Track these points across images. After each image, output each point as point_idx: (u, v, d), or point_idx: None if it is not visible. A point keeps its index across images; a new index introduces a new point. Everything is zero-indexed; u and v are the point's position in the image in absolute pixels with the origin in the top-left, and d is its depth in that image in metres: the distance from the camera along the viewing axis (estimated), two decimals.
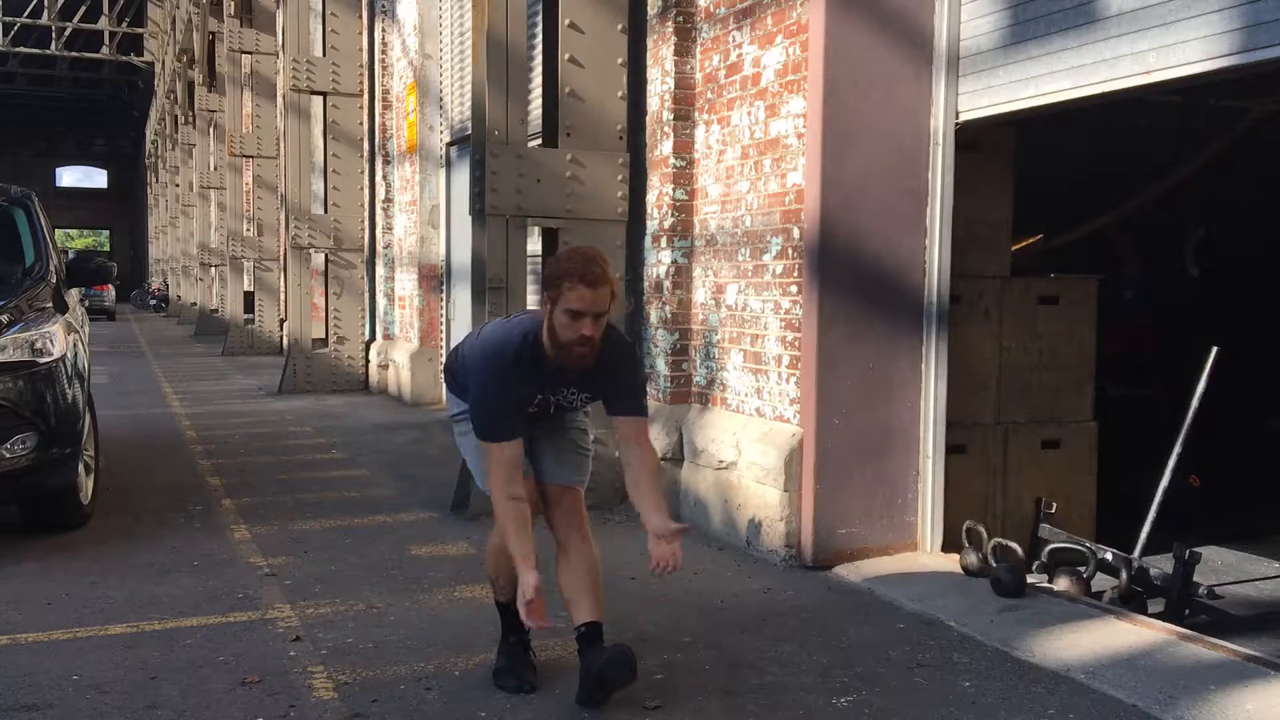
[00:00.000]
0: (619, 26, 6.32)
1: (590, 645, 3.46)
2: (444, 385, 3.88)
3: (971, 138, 5.33)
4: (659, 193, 6.34)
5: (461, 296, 10.39)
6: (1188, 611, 4.85)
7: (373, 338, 13.40)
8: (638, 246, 6.51)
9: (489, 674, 3.71)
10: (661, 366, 6.31)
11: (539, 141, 6.69)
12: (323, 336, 13.16)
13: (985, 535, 4.84)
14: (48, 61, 40.72)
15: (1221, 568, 5.90)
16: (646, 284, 6.48)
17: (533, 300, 7.38)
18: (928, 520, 5.21)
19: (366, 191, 13.12)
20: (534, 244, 6.93)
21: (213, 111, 23.83)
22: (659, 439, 6.08)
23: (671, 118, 6.19)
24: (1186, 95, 7.02)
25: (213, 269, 26.25)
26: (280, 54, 18.17)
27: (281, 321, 19.19)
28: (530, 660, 3.72)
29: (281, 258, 19.19)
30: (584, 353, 3.33)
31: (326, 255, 12.99)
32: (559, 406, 3.55)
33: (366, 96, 12.93)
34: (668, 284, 6.24)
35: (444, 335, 11.48)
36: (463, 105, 10.35)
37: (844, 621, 4.33)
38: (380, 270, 13.16)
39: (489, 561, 3.74)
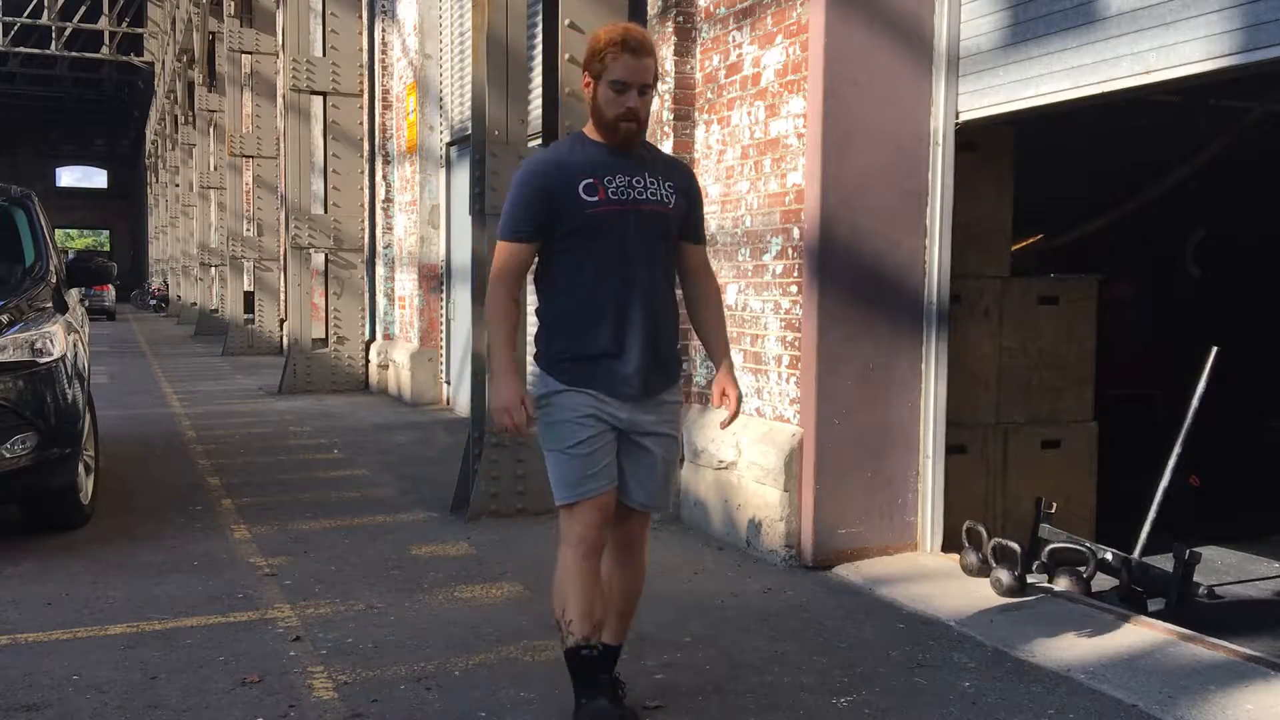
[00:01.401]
0: None
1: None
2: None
3: (971, 138, 5.33)
4: None
5: (462, 296, 10.39)
6: (1188, 612, 4.84)
7: (373, 338, 13.41)
8: None
9: (489, 674, 3.71)
10: None
11: (539, 141, 6.69)
12: (323, 336, 13.17)
13: (985, 535, 4.84)
14: (48, 61, 40.78)
15: (1221, 568, 5.90)
16: None
17: (532, 300, 7.39)
18: (928, 520, 5.21)
19: (366, 191, 13.13)
20: None
21: (213, 111, 23.84)
22: None
23: (671, 118, 6.19)
24: (1186, 95, 7.02)
25: (213, 269, 26.27)
26: (280, 54, 18.17)
27: (281, 321, 19.20)
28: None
29: (281, 258, 19.21)
30: (631, 128, 3.05)
31: (326, 255, 13.00)
32: (637, 206, 3.09)
33: (366, 96, 12.93)
34: None
35: (444, 335, 11.49)
36: (463, 105, 10.35)
37: (844, 621, 4.34)
38: (380, 270, 13.17)
39: (556, 595, 3.17)
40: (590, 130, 3.15)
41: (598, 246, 3.07)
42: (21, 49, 37.33)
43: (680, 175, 3.25)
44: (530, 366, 3.28)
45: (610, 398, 3.10)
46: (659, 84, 3.16)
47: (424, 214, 11.53)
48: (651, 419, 3.17)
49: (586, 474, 3.09)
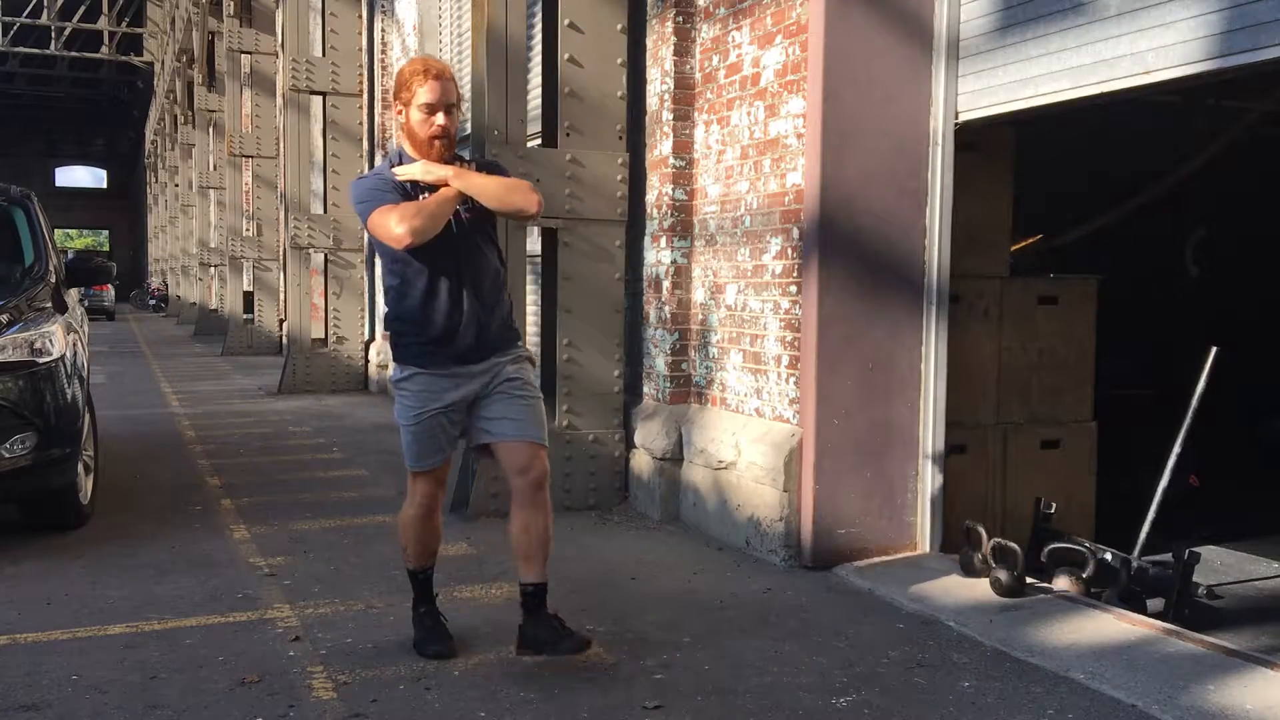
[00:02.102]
0: (618, 26, 6.32)
1: (535, 610, 3.72)
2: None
3: (971, 138, 5.33)
4: (658, 193, 6.34)
5: None
6: (1187, 611, 4.85)
7: (372, 337, 13.40)
8: (637, 246, 6.51)
9: (489, 674, 3.71)
10: (661, 366, 6.31)
11: (538, 141, 6.70)
12: (322, 336, 13.17)
13: (985, 535, 4.84)
14: (47, 61, 40.74)
15: (1221, 568, 5.90)
16: (646, 284, 6.48)
17: (533, 300, 7.39)
18: (927, 520, 5.21)
19: None
20: (534, 244, 6.93)
21: (212, 111, 23.85)
22: (658, 439, 6.08)
23: (671, 118, 6.19)
24: (1186, 95, 7.02)
25: (212, 268, 26.26)
26: (280, 53, 18.17)
27: (281, 321, 19.19)
28: (445, 629, 3.94)
29: (281, 257, 19.20)
30: (443, 144, 3.62)
31: (326, 255, 12.99)
32: (456, 215, 3.66)
33: (366, 96, 12.93)
34: (667, 284, 6.24)
35: None
36: (463, 105, 10.34)
37: (843, 621, 4.34)
38: (380, 269, 13.16)
39: (402, 532, 3.96)
40: (408, 148, 3.71)
41: (430, 247, 3.58)
42: (21, 49, 37.29)
43: (492, 171, 3.84)
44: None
45: (448, 374, 3.70)
46: (462, 106, 3.95)
47: None
48: (494, 377, 3.74)
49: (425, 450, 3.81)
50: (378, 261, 13.11)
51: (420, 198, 3.61)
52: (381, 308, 13.12)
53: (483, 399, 3.75)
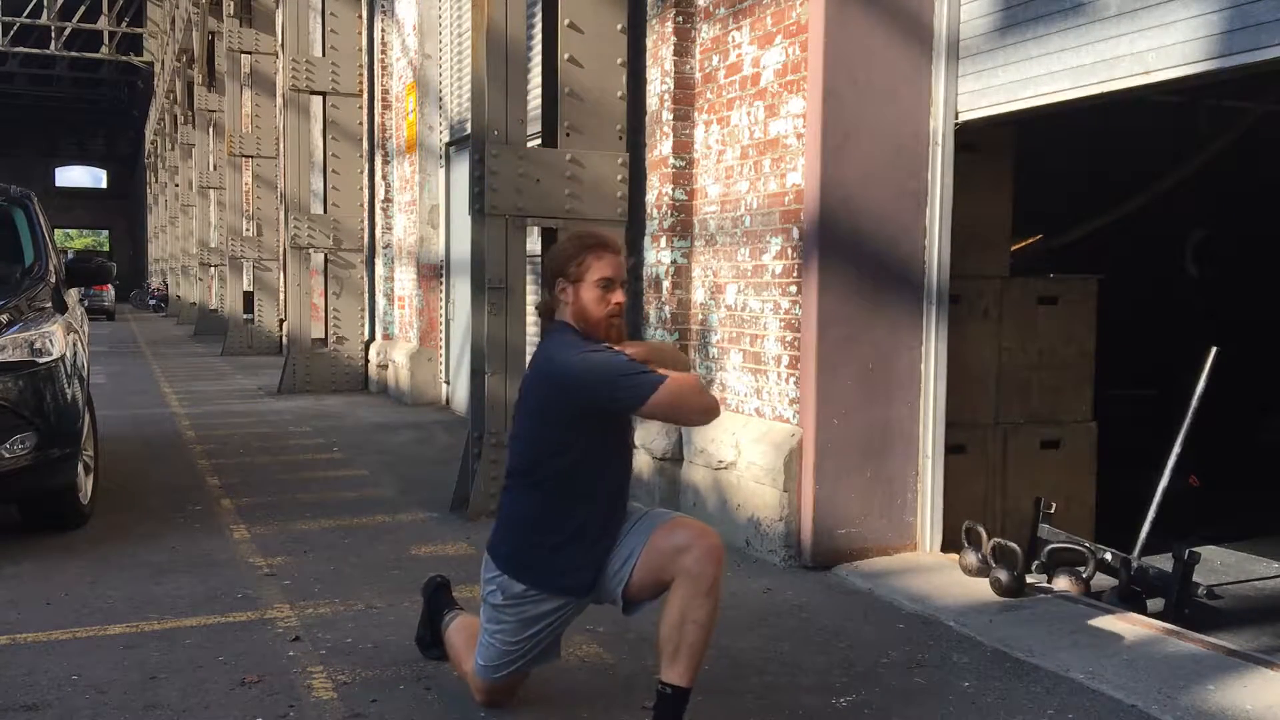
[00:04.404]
0: (618, 26, 6.32)
1: (665, 716, 3.05)
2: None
3: (971, 138, 5.33)
4: (658, 193, 6.34)
5: (461, 296, 10.39)
6: (1187, 611, 4.85)
7: (372, 337, 13.40)
8: (637, 246, 6.51)
9: None
10: None
11: (539, 141, 6.69)
12: (322, 336, 13.17)
13: (985, 535, 4.84)
14: (47, 61, 40.77)
15: (1221, 568, 5.90)
16: (645, 284, 6.48)
17: (533, 300, 7.38)
18: (927, 520, 5.21)
19: (366, 191, 13.13)
20: (534, 244, 6.93)
21: (212, 111, 23.84)
22: (658, 439, 6.08)
23: (671, 118, 6.19)
24: (1186, 95, 7.03)
25: (212, 268, 26.26)
26: (280, 53, 18.17)
27: (281, 321, 19.19)
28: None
29: (281, 257, 19.20)
30: (620, 324, 3.21)
31: (326, 255, 13.00)
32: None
33: (366, 96, 12.93)
34: (667, 284, 6.24)
35: (443, 335, 11.49)
36: (462, 105, 10.35)
37: (843, 621, 4.33)
38: (380, 270, 13.17)
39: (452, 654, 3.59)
40: (577, 325, 3.19)
41: (605, 442, 3.19)
42: (21, 49, 37.30)
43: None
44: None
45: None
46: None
47: (423, 214, 11.53)
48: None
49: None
50: (378, 262, 13.12)
51: None
52: (381, 308, 13.13)
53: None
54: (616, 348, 3.14)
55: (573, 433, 3.13)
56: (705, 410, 3.11)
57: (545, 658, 3.34)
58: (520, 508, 3.24)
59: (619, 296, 3.18)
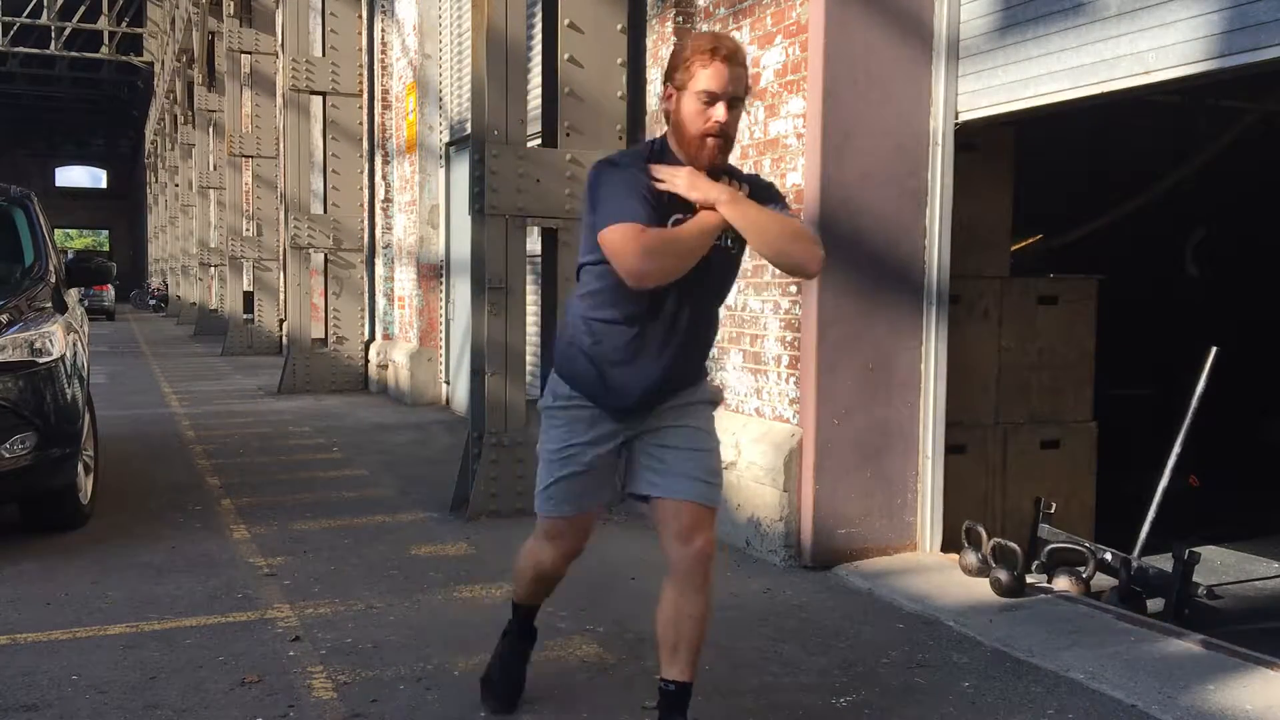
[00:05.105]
0: (619, 26, 6.31)
1: (671, 713, 2.96)
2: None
3: (971, 138, 5.33)
4: None
5: (461, 296, 10.39)
6: (1187, 611, 4.85)
7: (372, 337, 13.40)
8: None
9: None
10: None
11: (539, 141, 6.69)
12: (322, 336, 13.17)
13: (985, 535, 4.84)
14: (47, 61, 40.73)
15: (1221, 568, 5.90)
16: None
17: (533, 300, 7.39)
18: (927, 520, 5.21)
19: (366, 191, 13.13)
20: (534, 244, 6.93)
21: (212, 111, 23.84)
22: None
23: None
24: (1186, 95, 7.03)
25: (212, 269, 26.26)
26: (280, 53, 18.17)
27: (281, 321, 19.19)
28: (521, 681, 3.45)
29: (281, 257, 19.20)
30: (716, 144, 2.81)
31: (326, 255, 13.00)
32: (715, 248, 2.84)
33: (366, 96, 12.93)
34: None
35: (443, 335, 11.49)
36: (462, 105, 10.35)
37: (843, 621, 4.33)
38: (380, 270, 13.17)
39: (519, 561, 3.33)
40: (672, 142, 2.89)
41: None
42: (21, 49, 37.28)
43: (767, 198, 2.96)
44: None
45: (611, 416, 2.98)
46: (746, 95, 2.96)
47: (423, 214, 11.53)
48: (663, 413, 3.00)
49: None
50: (378, 262, 13.12)
51: (673, 219, 2.78)
52: (381, 308, 13.12)
53: (646, 433, 2.99)
54: (701, 184, 2.79)
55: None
56: (631, 274, 2.70)
57: (586, 496, 3.05)
58: (571, 313, 3.04)
59: (720, 114, 2.77)
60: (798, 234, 2.89)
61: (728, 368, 5.87)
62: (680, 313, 2.89)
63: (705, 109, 2.78)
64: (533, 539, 3.21)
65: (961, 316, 5.66)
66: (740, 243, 2.88)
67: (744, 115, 5.64)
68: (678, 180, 2.80)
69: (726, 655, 3.91)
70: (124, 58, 39.84)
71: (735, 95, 2.80)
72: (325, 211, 12.82)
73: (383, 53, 12.78)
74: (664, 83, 2.89)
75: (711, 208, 2.78)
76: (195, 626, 4.24)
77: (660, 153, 2.90)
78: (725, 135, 2.83)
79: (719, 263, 2.89)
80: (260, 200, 20.46)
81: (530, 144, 6.48)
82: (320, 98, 12.80)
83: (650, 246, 2.69)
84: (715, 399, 3.12)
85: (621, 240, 2.69)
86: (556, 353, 3.06)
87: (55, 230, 7.10)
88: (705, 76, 2.76)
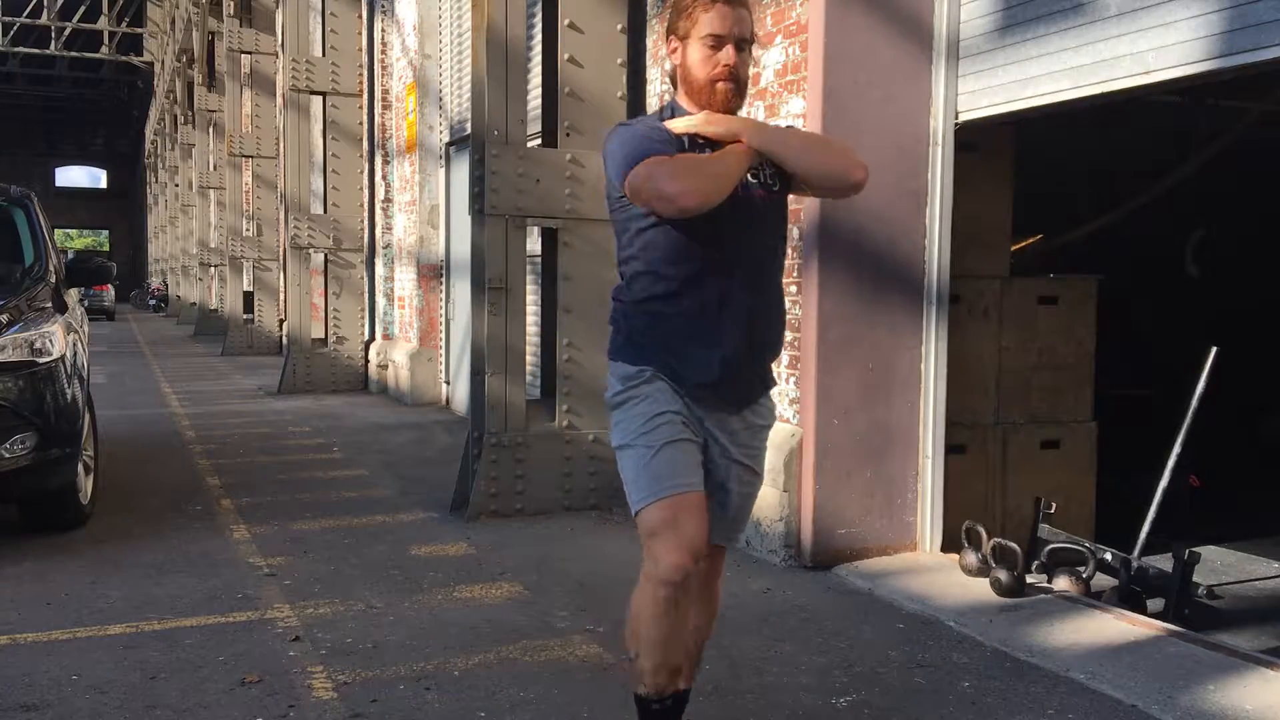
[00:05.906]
0: (619, 26, 6.31)
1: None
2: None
3: (971, 138, 5.33)
4: None
5: (461, 296, 10.39)
6: (1187, 611, 4.85)
7: (372, 337, 13.40)
8: None
9: (489, 674, 3.71)
10: None
11: (539, 141, 6.69)
12: (322, 336, 13.17)
13: (985, 535, 4.84)
14: (47, 61, 40.72)
15: (1221, 568, 5.90)
16: None
17: (533, 300, 7.39)
18: (927, 520, 5.21)
19: (366, 191, 13.13)
20: (534, 244, 6.93)
21: (212, 111, 23.85)
22: None
23: None
24: (1186, 95, 7.02)
25: (212, 269, 26.27)
26: (280, 53, 18.17)
27: (281, 321, 19.19)
28: None
29: (281, 257, 19.20)
30: (729, 88, 2.67)
31: (326, 255, 13.00)
32: (746, 189, 2.68)
33: (366, 96, 12.94)
34: None
35: (443, 335, 11.49)
36: (462, 105, 10.35)
37: (843, 622, 4.34)
38: (380, 270, 13.17)
39: (632, 623, 2.70)
40: (683, 99, 2.77)
41: (699, 231, 2.63)
42: (21, 49, 37.28)
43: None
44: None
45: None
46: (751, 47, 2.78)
47: (423, 214, 11.53)
48: (733, 434, 2.78)
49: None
50: (378, 262, 13.12)
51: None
52: (381, 308, 13.12)
53: (715, 443, 2.76)
54: (718, 118, 2.67)
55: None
56: (665, 199, 2.53)
57: (695, 470, 2.68)
58: (618, 312, 2.90)
59: (729, 57, 2.65)
60: (830, 145, 2.77)
61: None
62: (735, 270, 2.68)
63: (712, 53, 2.66)
64: (643, 575, 2.63)
65: (962, 316, 5.66)
66: (779, 178, 2.74)
67: (744, 115, 5.67)
68: (694, 121, 2.69)
69: (726, 655, 3.91)
70: (124, 58, 39.85)
71: (742, 37, 2.68)
72: (325, 211, 12.83)
73: (383, 53, 12.78)
74: (667, 38, 2.76)
75: (736, 140, 2.65)
76: (195, 626, 4.24)
77: (672, 113, 2.78)
78: (736, 79, 2.69)
79: (763, 206, 2.72)
80: (260, 200, 20.45)
81: (530, 144, 6.48)
82: (320, 98, 12.80)
83: (679, 168, 2.54)
84: (772, 420, 2.91)
85: (647, 171, 2.55)
86: (613, 348, 2.83)
87: (55, 230, 7.10)
88: (709, 20, 2.65)
